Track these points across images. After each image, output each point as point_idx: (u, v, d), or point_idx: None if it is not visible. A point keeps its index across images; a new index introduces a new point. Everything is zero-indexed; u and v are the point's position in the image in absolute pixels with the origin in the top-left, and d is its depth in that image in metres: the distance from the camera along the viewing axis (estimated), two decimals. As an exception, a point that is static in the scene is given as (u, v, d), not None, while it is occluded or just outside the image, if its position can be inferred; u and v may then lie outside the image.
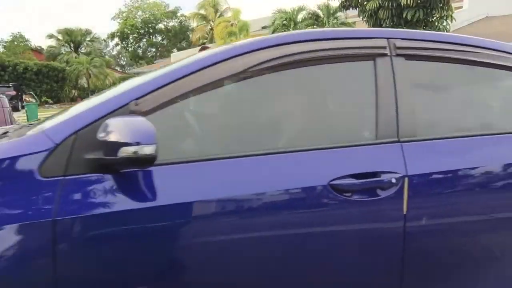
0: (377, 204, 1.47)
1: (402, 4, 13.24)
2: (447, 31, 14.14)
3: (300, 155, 1.49)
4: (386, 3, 13.62)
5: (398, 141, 1.53)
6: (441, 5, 13.44)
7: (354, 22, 19.36)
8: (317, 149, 1.51)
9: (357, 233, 1.49)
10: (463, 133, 1.67)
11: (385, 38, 1.64)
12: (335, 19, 20.15)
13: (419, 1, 13.17)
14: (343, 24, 20.25)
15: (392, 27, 13.99)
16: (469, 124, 1.77)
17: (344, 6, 15.27)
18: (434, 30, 13.90)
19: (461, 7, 17.12)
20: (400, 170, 1.49)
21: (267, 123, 1.74)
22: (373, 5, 13.83)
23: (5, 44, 32.51)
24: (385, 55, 1.61)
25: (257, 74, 1.57)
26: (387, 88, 1.57)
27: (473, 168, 1.59)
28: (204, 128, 1.67)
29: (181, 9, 57.42)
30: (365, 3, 14.34)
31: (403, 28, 13.98)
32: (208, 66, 1.50)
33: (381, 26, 14.20)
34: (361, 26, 16.29)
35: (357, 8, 14.95)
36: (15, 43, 32.49)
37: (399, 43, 1.64)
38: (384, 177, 1.48)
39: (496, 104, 1.87)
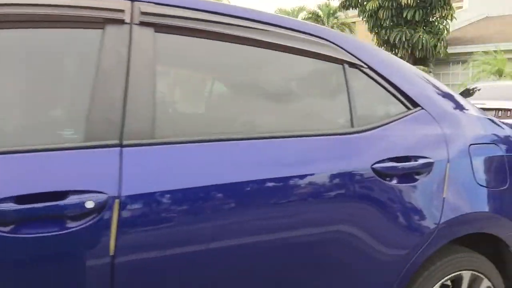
0: (61, 241, 0.94)
1: (402, 4, 13.25)
2: (447, 31, 14.16)
3: None
4: (386, 3, 13.63)
5: (119, 145, 1.02)
6: (441, 4, 13.44)
7: (354, 22, 19.38)
8: None
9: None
10: (232, 135, 1.18)
11: None
12: (335, 19, 20.20)
13: (419, 1, 13.18)
14: (343, 24, 20.30)
15: (392, 27, 14.02)
16: (245, 123, 1.30)
17: (344, 6, 15.29)
18: (434, 30, 13.92)
19: (461, 7, 17.13)
20: (109, 188, 0.97)
21: None
22: (373, 5, 13.85)
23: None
24: (121, 22, 1.11)
25: None
26: (115, 68, 1.08)
27: (232, 184, 1.10)
28: None
29: (181, 9, 57.37)
30: (365, 3, 14.36)
31: (403, 29, 14.06)
32: None
33: (381, 26, 14.22)
34: (361, 26, 16.31)
35: (357, 8, 14.96)
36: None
37: (147, 8, 1.15)
38: (73, 199, 0.94)
39: (285, 98, 1.40)
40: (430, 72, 14.50)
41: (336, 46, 1.38)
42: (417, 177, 1.34)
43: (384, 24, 14.07)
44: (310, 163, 1.22)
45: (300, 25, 1.37)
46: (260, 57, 1.33)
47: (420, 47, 13.63)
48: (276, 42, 1.29)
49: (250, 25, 1.26)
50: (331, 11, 20.05)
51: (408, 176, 1.33)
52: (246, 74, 1.37)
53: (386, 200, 1.29)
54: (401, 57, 14.92)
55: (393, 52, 15.09)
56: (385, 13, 13.84)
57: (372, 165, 1.26)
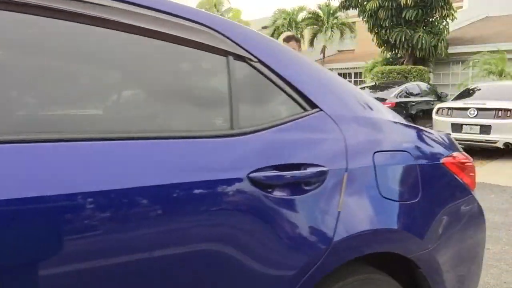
0: None
1: (402, 4, 13.24)
2: (447, 31, 14.16)
3: None
4: (386, 3, 13.60)
5: None
6: (441, 4, 13.45)
7: (354, 22, 19.39)
8: None
9: None
10: (75, 135, 0.94)
11: None
12: (335, 19, 20.21)
13: (419, 1, 13.19)
14: (343, 24, 20.32)
15: (392, 27, 14.01)
16: (90, 121, 1.07)
17: (344, 6, 15.26)
18: (434, 30, 13.91)
19: (461, 7, 17.12)
20: None
21: None
22: (373, 5, 13.82)
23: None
24: None
25: None
26: None
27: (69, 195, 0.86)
28: None
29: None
30: (365, 3, 14.32)
31: (403, 29, 14.06)
32: None
33: (381, 26, 14.22)
34: (361, 26, 16.31)
35: (357, 8, 14.96)
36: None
37: None
38: None
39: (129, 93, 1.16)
40: (430, 72, 14.51)
41: (221, 35, 1.18)
42: (306, 188, 1.14)
43: (384, 24, 14.04)
44: (173, 171, 1.00)
45: (175, 8, 1.14)
46: (120, 43, 1.09)
47: (420, 47, 13.61)
48: (142, 26, 1.06)
49: (105, 3, 1.02)
50: (331, 11, 20.04)
51: (295, 187, 1.13)
52: (99, 62, 1.11)
53: (266, 215, 1.08)
54: (401, 57, 15.00)
55: (393, 52, 15.10)
56: (385, 13, 13.80)
57: (249, 173, 1.06)
